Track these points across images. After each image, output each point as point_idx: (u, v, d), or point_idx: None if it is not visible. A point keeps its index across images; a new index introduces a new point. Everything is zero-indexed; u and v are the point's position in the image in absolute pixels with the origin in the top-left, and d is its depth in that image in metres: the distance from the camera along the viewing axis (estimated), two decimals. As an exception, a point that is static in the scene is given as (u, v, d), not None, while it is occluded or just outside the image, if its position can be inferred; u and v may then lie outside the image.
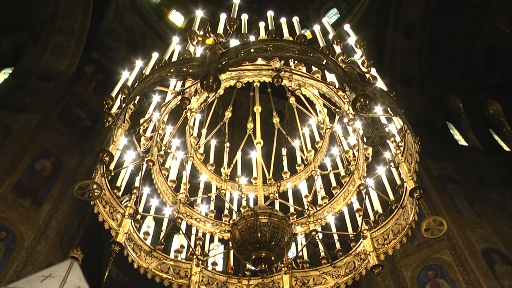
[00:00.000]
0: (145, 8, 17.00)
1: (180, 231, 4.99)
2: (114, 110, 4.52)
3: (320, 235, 5.13)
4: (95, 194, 3.93)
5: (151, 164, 4.76)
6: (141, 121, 4.78)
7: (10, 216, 9.08)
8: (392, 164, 4.18)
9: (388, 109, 3.64)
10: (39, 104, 11.31)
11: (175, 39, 4.61)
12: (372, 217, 4.73)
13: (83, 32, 12.94)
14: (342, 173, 5.00)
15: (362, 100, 3.09)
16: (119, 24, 16.11)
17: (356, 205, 4.98)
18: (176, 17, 18.96)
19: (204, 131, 5.34)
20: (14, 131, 10.95)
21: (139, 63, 4.77)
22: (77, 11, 12.19)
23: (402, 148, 4.01)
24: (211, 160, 5.35)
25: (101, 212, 4.49)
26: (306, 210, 5.02)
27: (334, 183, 5.08)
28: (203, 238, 5.15)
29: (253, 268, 4.92)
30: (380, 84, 3.89)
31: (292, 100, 5.22)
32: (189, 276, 4.94)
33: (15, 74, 13.53)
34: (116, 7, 15.73)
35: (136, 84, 4.42)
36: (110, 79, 12.64)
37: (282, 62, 4.13)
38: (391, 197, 4.51)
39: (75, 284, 5.97)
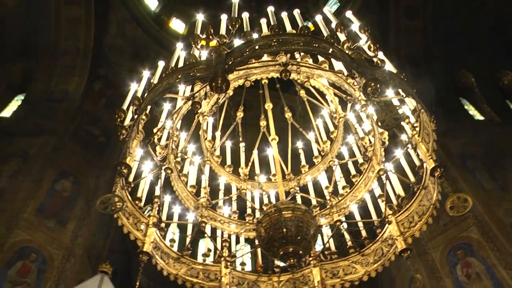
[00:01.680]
0: (145, 19, 17.09)
1: (206, 235, 5.01)
2: (127, 122, 4.56)
3: (345, 225, 5.11)
4: (117, 207, 3.98)
5: (169, 171, 4.79)
6: (155, 130, 4.81)
7: (37, 238, 9.23)
8: (409, 145, 4.14)
9: (400, 90, 3.61)
10: (52, 126, 11.44)
11: (179, 45, 4.64)
12: (395, 201, 4.69)
13: (87, 51, 13.06)
14: (360, 161, 4.97)
15: (372, 84, 3.07)
16: (122, 38, 16.23)
17: (378, 191, 4.93)
18: (177, 25, 19.02)
19: (218, 133, 5.35)
20: (31, 155, 11.11)
21: (146, 73, 4.81)
22: (79, 31, 12.30)
23: (418, 129, 3.97)
24: (228, 162, 5.36)
25: (125, 224, 4.53)
26: (328, 201, 4.99)
27: (353, 172, 5.05)
28: (229, 240, 5.17)
29: (282, 264, 4.93)
30: (389, 66, 3.87)
31: (302, 93, 5.20)
32: (219, 278, 4.96)
33: (27, 100, 13.72)
34: (116, 22, 15.85)
35: (146, 94, 4.45)
36: (119, 93, 12.71)
37: (288, 55, 4.13)
38: (412, 179, 4.46)
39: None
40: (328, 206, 5.05)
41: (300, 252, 4.04)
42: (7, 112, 13.70)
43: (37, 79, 13.99)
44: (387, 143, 4.56)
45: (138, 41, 16.73)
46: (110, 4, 15.61)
